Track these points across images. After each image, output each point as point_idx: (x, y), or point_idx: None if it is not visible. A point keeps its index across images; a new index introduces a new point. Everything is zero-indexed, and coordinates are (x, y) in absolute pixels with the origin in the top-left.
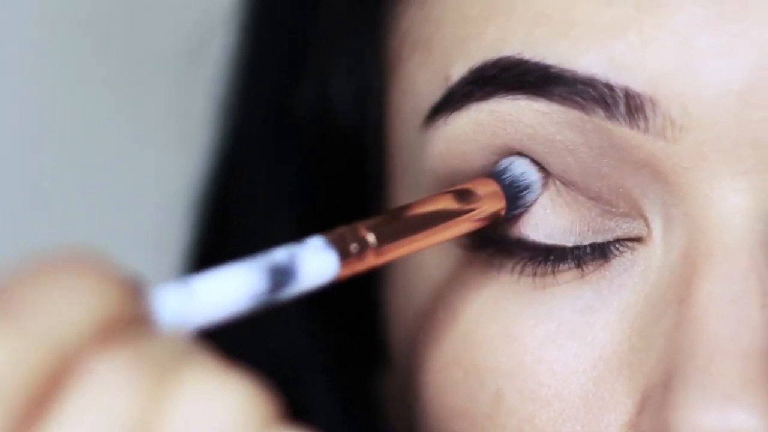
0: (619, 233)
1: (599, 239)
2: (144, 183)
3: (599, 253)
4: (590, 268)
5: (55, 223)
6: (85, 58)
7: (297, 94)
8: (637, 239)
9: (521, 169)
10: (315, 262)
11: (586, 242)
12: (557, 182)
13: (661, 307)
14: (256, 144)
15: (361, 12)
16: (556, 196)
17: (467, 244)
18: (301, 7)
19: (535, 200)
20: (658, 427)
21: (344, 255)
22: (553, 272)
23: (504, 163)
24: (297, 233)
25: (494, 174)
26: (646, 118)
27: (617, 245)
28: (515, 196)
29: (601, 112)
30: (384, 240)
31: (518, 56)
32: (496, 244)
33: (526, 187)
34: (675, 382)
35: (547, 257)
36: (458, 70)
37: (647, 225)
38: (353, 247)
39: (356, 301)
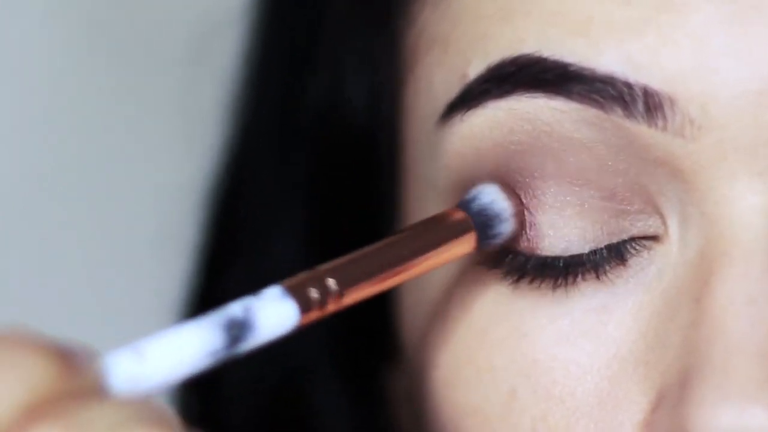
0: (635, 232)
1: (615, 240)
2: (152, 182)
3: (616, 254)
4: (607, 269)
5: (61, 222)
6: (92, 56)
7: (307, 92)
8: (654, 237)
9: (489, 197)
10: (273, 313)
11: (602, 245)
12: (563, 193)
13: (676, 305)
14: (264, 143)
15: (375, 10)
16: (565, 207)
17: (481, 262)
18: (313, 3)
19: (512, 232)
20: (673, 426)
21: (304, 303)
22: (574, 282)
23: (473, 191)
24: (305, 233)
25: (463, 203)
26: (664, 117)
27: (633, 244)
28: (485, 225)
29: (619, 111)
30: (346, 284)
31: (537, 54)
32: (512, 266)
33: (496, 216)
34: (691, 381)
35: (567, 269)
36: (476, 68)
37: (664, 223)
38: (313, 294)
39: (366, 300)
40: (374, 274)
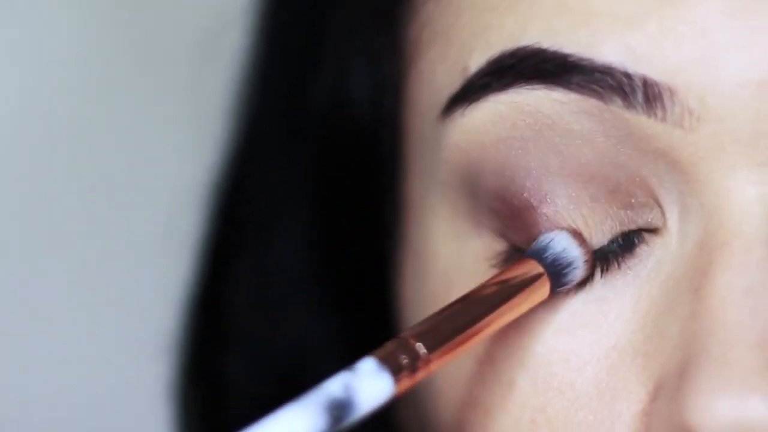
0: (638, 224)
1: (624, 230)
2: (157, 179)
3: (626, 246)
4: (619, 261)
5: (69, 218)
6: (98, 55)
7: (311, 87)
8: (653, 230)
9: (562, 245)
10: (371, 389)
11: (611, 238)
12: (569, 188)
13: (675, 296)
14: (269, 139)
15: (378, 4)
16: (574, 203)
17: (494, 265)
18: (316, 0)
19: (585, 276)
20: (671, 416)
21: (397, 372)
22: (593, 277)
23: (544, 239)
24: (309, 227)
25: (534, 253)
26: (663, 107)
27: (634, 237)
28: (558, 273)
29: (618, 101)
30: (433, 346)
31: (536, 45)
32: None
33: (569, 264)
34: (690, 371)
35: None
36: (476, 61)
37: (663, 215)
38: (404, 360)
39: (370, 294)
40: (457, 334)
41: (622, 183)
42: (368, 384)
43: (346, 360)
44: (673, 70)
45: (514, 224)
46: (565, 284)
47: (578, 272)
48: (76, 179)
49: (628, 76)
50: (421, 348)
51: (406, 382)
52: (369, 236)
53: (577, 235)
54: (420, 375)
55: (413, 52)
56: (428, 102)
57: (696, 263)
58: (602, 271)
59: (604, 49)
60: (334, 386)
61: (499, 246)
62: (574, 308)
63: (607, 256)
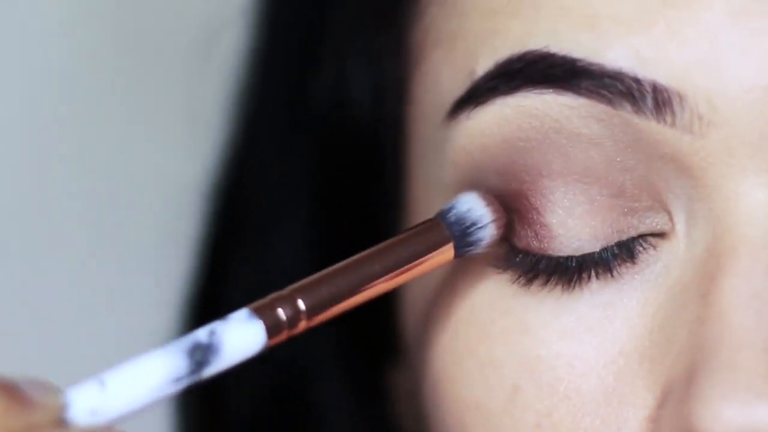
0: (643, 229)
1: (624, 237)
2: (157, 178)
3: (626, 251)
4: (618, 266)
5: (67, 217)
6: (97, 54)
7: (312, 88)
8: (661, 235)
9: (467, 205)
10: (238, 336)
11: (613, 243)
12: (573, 192)
13: (683, 301)
14: (268, 137)
15: (381, 6)
16: (575, 206)
17: (491, 264)
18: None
19: (492, 237)
20: (679, 421)
21: (272, 324)
22: (588, 281)
23: (452, 200)
24: (309, 227)
25: (440, 214)
26: (673, 113)
27: (641, 242)
28: (463, 233)
29: (628, 106)
30: (315, 304)
31: (545, 50)
32: (523, 267)
33: (473, 224)
34: (698, 376)
35: (580, 269)
36: (484, 65)
37: (671, 219)
38: (281, 315)
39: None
40: (345, 292)
41: (627, 187)
42: (236, 331)
43: (345, 366)
44: (680, 74)
45: (515, 225)
46: (469, 245)
47: (485, 233)
48: (74, 178)
49: (637, 81)
50: (301, 304)
51: (283, 335)
52: (369, 237)
53: (488, 197)
54: (298, 330)
55: (417, 54)
56: (433, 104)
57: (704, 268)
58: (597, 274)
59: (612, 53)
60: (200, 332)
61: (500, 249)
62: (580, 312)
63: (608, 260)
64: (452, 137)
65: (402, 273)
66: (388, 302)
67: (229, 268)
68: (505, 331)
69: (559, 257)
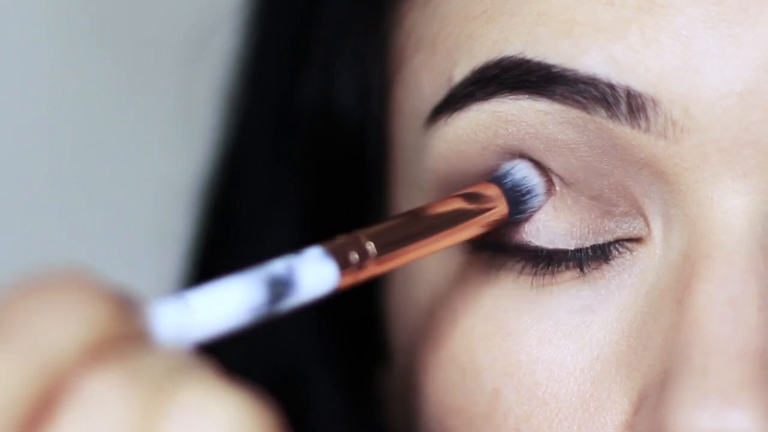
0: (620, 234)
1: (600, 240)
2: (147, 178)
3: (600, 254)
4: (591, 268)
5: (58, 217)
6: (89, 54)
7: (300, 90)
8: (637, 239)
9: (522, 173)
10: (314, 273)
11: (587, 244)
12: (558, 186)
13: (659, 306)
14: (258, 140)
15: (365, 9)
16: (558, 200)
17: (467, 248)
18: (306, 3)
19: (541, 205)
20: (653, 427)
21: (344, 265)
22: (553, 274)
23: (506, 167)
24: (298, 229)
25: (495, 178)
26: (647, 118)
27: (617, 246)
28: (517, 200)
29: (602, 112)
30: (385, 248)
31: (520, 56)
32: (497, 248)
33: (528, 191)
34: (671, 382)
35: (550, 261)
36: (461, 71)
37: (647, 225)
38: (353, 256)
39: (358, 300)
40: (411, 240)
41: (605, 192)
42: (311, 268)
43: (335, 366)
44: (655, 80)
45: (496, 235)
46: (523, 211)
47: (537, 200)
48: (66, 178)
49: (611, 87)
50: (371, 247)
51: (352, 277)
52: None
53: (538, 166)
54: (366, 273)
55: (399, 58)
56: (413, 110)
57: (679, 273)
58: (568, 268)
59: (587, 59)
60: (277, 265)
61: (482, 253)
62: (559, 317)
63: (580, 259)
64: (431, 143)
65: (462, 230)
66: (376, 304)
67: (219, 269)
68: (486, 336)
69: (532, 244)
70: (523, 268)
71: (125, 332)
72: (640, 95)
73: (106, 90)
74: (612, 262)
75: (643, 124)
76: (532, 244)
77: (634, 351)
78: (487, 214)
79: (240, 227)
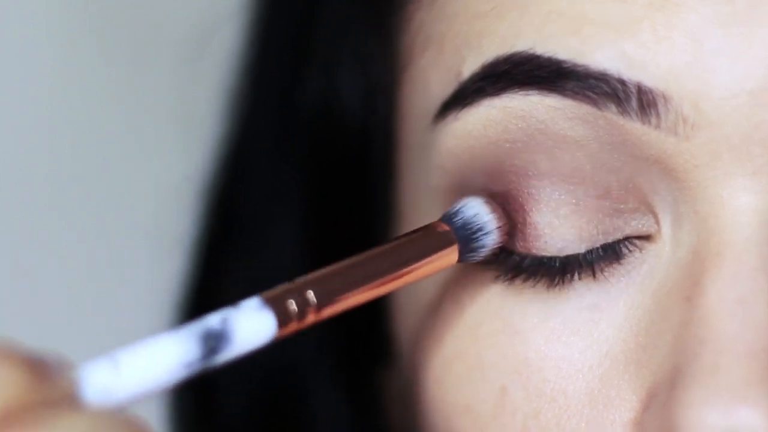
0: (629, 231)
1: (610, 239)
2: (150, 178)
3: (611, 253)
4: (603, 267)
5: (60, 217)
6: (89, 52)
7: (303, 90)
8: (646, 237)
9: (473, 210)
10: (250, 325)
11: (598, 244)
12: (559, 192)
13: (668, 304)
14: (261, 138)
15: (366, 9)
16: (561, 206)
17: (479, 263)
18: (310, 2)
19: (494, 245)
20: (663, 425)
21: (282, 315)
22: (571, 281)
23: (456, 205)
24: (301, 227)
25: (446, 217)
26: (658, 114)
27: (627, 244)
28: (468, 239)
29: (613, 107)
30: (328, 295)
31: (530, 51)
32: (508, 266)
33: (479, 229)
34: (681, 380)
35: (564, 269)
36: (470, 67)
37: (657, 222)
38: (292, 306)
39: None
40: (354, 287)
41: (614, 188)
42: (248, 320)
43: (338, 367)
44: (667, 76)
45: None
46: (474, 250)
47: (490, 239)
48: (66, 178)
49: (622, 82)
50: (311, 296)
51: (292, 326)
52: (361, 240)
53: (491, 203)
54: (307, 321)
55: (406, 57)
56: (421, 107)
57: (689, 271)
58: (581, 275)
59: (598, 55)
60: (213, 318)
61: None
62: (566, 315)
63: (592, 261)
64: (439, 140)
65: (408, 273)
66: (380, 304)
67: (222, 269)
68: (492, 334)
69: (543, 257)
70: (537, 282)
71: (41, 398)
72: (651, 91)
73: (106, 89)
74: (622, 261)
75: (653, 120)
76: (542, 255)
77: (643, 348)
78: (436, 256)
79: (243, 224)
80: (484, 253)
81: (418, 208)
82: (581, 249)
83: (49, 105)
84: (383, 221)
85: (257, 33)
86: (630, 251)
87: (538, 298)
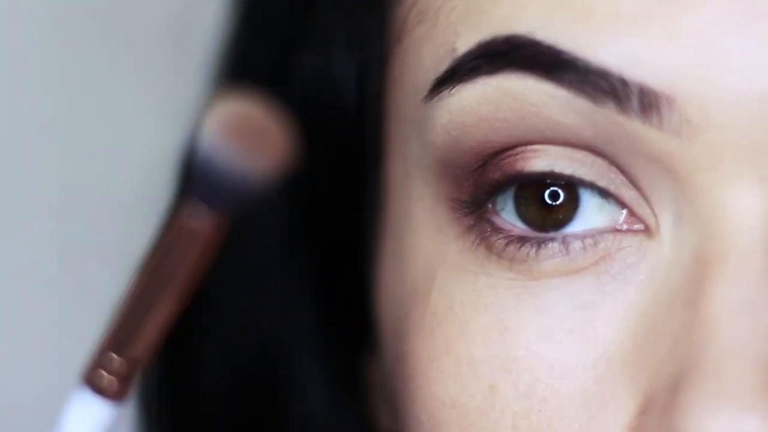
0: (625, 225)
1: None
2: (134, 156)
3: (603, 246)
4: (594, 261)
5: (47, 196)
6: (74, 34)
7: (295, 67)
8: (644, 232)
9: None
10: (75, 414)
11: (589, 234)
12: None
13: (669, 306)
14: None
15: None
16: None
17: (455, 208)
18: None
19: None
20: (662, 430)
21: (99, 388)
22: (537, 252)
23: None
24: (291, 209)
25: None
26: (660, 116)
27: (623, 238)
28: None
29: (612, 105)
30: (131, 344)
31: (530, 36)
32: (481, 230)
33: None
34: (683, 386)
35: (539, 246)
36: (465, 43)
37: (655, 216)
38: (102, 376)
39: (348, 284)
40: (146, 323)
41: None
42: (71, 410)
43: (323, 354)
44: (673, 78)
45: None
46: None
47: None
48: (54, 157)
49: (623, 82)
50: (113, 357)
51: (120, 390)
52: (349, 223)
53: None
54: (130, 378)
55: (400, 31)
56: (413, 83)
57: (691, 274)
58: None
59: (602, 51)
60: None
61: (472, 222)
62: (559, 312)
63: (586, 252)
64: (432, 116)
65: (189, 275)
66: (366, 292)
67: None
68: (483, 328)
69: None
70: (518, 249)
71: None
72: (653, 92)
73: (93, 68)
74: (616, 255)
75: (655, 121)
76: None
77: (641, 351)
78: (186, 241)
79: None
80: (247, 196)
81: (409, 190)
82: (576, 232)
83: (33, 85)
84: (373, 204)
85: (249, 8)
86: (627, 246)
87: (529, 291)
